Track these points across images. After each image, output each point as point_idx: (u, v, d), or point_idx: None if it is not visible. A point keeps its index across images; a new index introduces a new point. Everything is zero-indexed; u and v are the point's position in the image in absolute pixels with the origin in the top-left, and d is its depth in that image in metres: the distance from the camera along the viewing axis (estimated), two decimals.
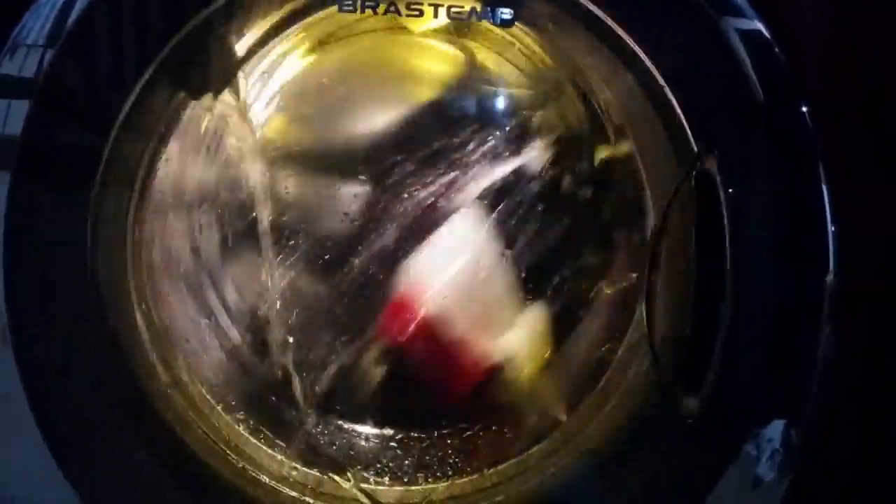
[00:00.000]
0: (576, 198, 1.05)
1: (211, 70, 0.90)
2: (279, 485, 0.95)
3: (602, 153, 1.04)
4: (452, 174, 1.03)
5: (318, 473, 0.97)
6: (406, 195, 1.03)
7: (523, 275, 1.08)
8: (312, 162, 1.05)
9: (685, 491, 0.84)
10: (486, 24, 0.91)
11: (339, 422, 1.06)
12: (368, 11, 0.87)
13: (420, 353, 1.05)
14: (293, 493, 0.94)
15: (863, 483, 0.87)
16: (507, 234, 1.05)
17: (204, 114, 0.97)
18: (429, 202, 1.03)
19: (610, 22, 0.79)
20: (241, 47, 0.92)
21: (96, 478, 0.83)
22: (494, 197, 1.04)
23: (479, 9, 0.86)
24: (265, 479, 0.94)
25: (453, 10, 0.86)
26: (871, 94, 0.81)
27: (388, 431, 1.05)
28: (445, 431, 1.04)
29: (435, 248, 1.04)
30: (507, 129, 1.04)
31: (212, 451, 0.93)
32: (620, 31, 0.79)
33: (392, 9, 0.87)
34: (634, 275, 0.96)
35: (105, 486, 0.83)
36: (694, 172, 0.80)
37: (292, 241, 1.05)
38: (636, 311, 0.93)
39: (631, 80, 0.83)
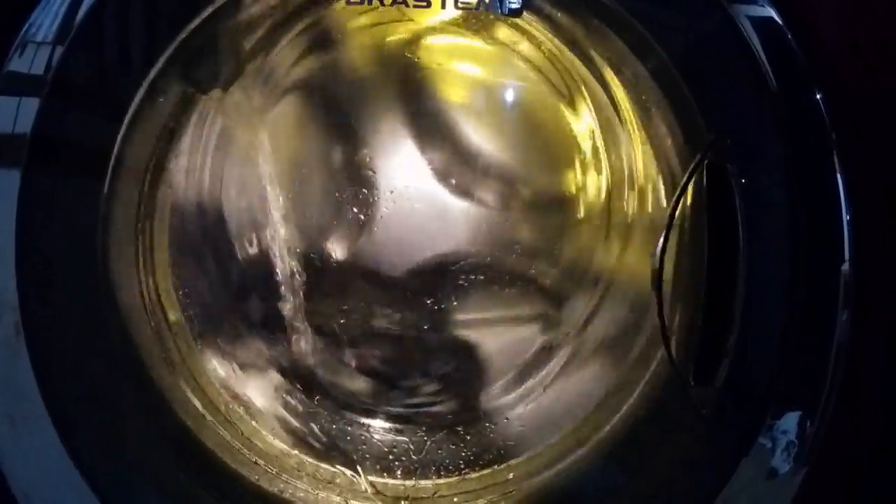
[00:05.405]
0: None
1: (219, 65, 0.90)
2: (292, 479, 0.95)
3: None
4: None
5: (330, 467, 0.98)
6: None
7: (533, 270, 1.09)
8: (319, 157, 1.05)
9: (700, 483, 0.83)
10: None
11: (351, 416, 1.06)
12: (376, 3, 0.87)
13: None
14: (306, 487, 0.95)
15: (877, 477, 0.86)
16: None
17: (213, 108, 0.97)
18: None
19: (620, 10, 0.78)
20: (249, 42, 0.93)
21: (110, 472, 0.83)
22: None
23: None
24: (278, 472, 0.95)
25: (461, 0, 0.86)
26: (886, 82, 0.79)
27: (399, 426, 1.05)
28: (457, 426, 1.04)
29: None
30: None
31: (225, 445, 0.93)
32: (631, 19, 0.78)
33: (399, 0, 0.86)
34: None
35: (119, 480, 0.84)
36: (706, 162, 0.79)
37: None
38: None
39: (642, 70, 0.82)
